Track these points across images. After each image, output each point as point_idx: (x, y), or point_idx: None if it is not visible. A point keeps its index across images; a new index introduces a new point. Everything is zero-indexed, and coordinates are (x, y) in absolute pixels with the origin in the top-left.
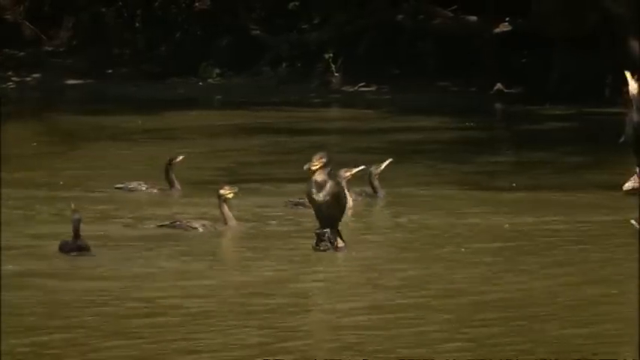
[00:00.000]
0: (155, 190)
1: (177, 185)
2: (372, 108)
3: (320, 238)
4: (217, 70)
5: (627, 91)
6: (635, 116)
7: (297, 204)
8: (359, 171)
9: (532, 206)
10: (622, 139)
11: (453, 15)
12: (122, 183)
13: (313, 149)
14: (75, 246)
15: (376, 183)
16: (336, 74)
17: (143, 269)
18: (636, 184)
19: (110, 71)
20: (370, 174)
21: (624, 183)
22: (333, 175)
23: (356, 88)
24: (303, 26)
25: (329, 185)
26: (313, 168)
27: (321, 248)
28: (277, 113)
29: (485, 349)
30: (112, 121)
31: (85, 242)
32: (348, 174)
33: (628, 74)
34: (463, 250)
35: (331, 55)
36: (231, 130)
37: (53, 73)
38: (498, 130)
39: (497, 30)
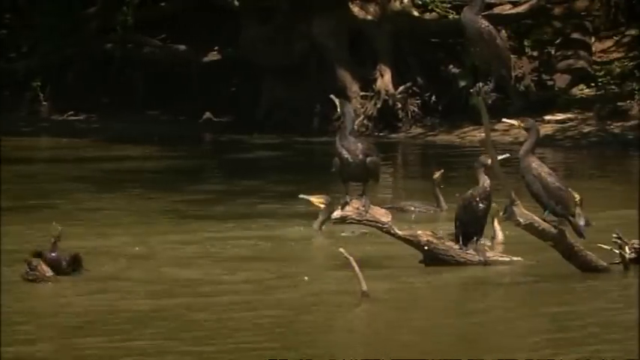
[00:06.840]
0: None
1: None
2: (81, 137)
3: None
4: None
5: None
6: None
7: None
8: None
9: (241, 234)
10: (333, 169)
11: (162, 44)
12: None
13: (22, 178)
14: None
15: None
16: (45, 103)
17: None
18: (345, 213)
19: None
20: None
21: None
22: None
23: (65, 116)
24: (10, 55)
25: None
26: None
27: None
28: None
29: None
30: None
31: None
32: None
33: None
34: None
35: (39, 83)
36: None
37: None
38: (207, 158)
39: (206, 59)
